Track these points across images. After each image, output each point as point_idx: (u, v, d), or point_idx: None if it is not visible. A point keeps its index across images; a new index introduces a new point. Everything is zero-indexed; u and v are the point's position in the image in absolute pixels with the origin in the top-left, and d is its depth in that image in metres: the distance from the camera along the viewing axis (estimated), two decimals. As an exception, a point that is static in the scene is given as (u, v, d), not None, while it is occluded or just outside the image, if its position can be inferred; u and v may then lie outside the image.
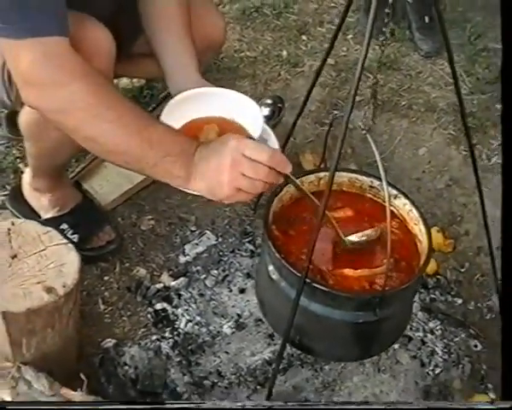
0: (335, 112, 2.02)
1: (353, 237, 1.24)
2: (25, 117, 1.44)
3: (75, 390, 1.22)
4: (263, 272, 1.24)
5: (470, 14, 2.39)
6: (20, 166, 1.86)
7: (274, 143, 1.35)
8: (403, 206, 1.31)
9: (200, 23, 1.51)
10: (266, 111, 1.99)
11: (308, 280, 1.09)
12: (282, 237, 1.24)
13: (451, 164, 1.93)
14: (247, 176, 1.10)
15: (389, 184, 1.34)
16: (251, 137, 1.26)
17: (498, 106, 2.04)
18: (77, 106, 1.12)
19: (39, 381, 1.21)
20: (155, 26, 1.45)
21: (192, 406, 1.20)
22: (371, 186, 1.38)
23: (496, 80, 2.14)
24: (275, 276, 1.18)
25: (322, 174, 1.35)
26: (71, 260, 1.26)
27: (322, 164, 1.42)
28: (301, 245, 1.22)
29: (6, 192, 1.80)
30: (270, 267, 1.19)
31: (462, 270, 1.73)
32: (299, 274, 1.08)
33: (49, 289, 1.19)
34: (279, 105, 2.01)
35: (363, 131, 1.10)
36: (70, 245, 1.29)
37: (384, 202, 1.33)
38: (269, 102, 2.02)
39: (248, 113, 1.34)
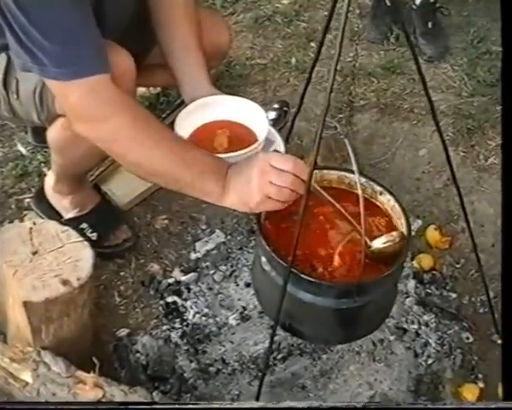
0: (340, 116, 2.12)
1: (378, 244, 1.29)
2: (53, 133, 1.58)
3: (89, 373, 1.36)
4: (257, 264, 1.35)
5: (474, 18, 2.45)
6: (44, 170, 2.01)
7: (280, 143, 1.46)
8: (387, 201, 1.40)
9: (207, 32, 1.62)
10: (273, 115, 2.10)
11: (294, 270, 1.20)
12: (274, 231, 1.35)
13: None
14: (274, 184, 1.22)
15: (374, 181, 1.45)
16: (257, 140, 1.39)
17: (498, 108, 2.10)
18: (121, 136, 1.26)
19: (57, 364, 1.34)
20: (169, 40, 1.56)
21: (188, 406, 1.32)
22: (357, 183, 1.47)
23: (497, 83, 2.20)
24: (267, 267, 1.29)
25: (313, 172, 1.46)
26: (86, 256, 1.39)
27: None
28: (292, 238, 1.33)
29: (32, 194, 1.94)
30: (263, 259, 1.30)
31: (458, 266, 1.81)
32: (285, 264, 1.19)
33: (65, 282, 1.33)
34: (285, 109, 2.11)
35: (341, 136, 1.20)
36: (85, 243, 1.43)
37: (371, 197, 1.45)
38: (276, 106, 2.13)
39: (255, 117, 1.46)
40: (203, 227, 1.91)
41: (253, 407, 1.33)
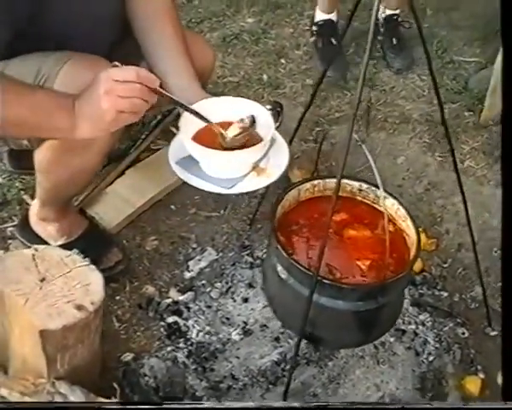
0: (326, 127, 2.16)
1: (232, 134, 1.34)
2: (41, 155, 1.53)
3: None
4: (271, 274, 1.37)
5: (435, 29, 2.56)
6: (25, 197, 1.95)
7: (282, 143, 1.45)
8: (391, 205, 1.45)
9: (192, 53, 1.62)
10: None
11: (320, 277, 1.22)
12: (287, 242, 1.37)
13: (428, 170, 2.09)
14: (123, 97, 1.21)
15: (376, 186, 1.50)
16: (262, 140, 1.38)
17: (467, 113, 2.21)
18: None
19: (75, 394, 1.30)
20: (157, 54, 1.55)
21: (192, 406, 1.33)
22: (360, 190, 1.52)
23: (463, 90, 2.32)
24: (284, 275, 1.31)
25: (316, 182, 1.51)
26: (95, 279, 1.36)
27: (314, 173, 1.56)
28: (305, 247, 1.36)
29: (13, 223, 1.88)
30: (279, 268, 1.32)
31: (446, 266, 1.88)
32: (310, 273, 1.21)
33: (80, 307, 1.29)
34: (278, 109, 2.11)
35: (359, 143, 1.24)
36: (92, 266, 1.40)
37: (373, 202, 1.50)
38: (268, 107, 2.11)
39: (258, 117, 1.44)
40: (194, 246, 1.90)
41: (253, 406, 1.35)
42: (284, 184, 1.99)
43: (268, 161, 1.40)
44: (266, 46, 2.55)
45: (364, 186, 1.50)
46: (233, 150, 1.33)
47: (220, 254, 1.88)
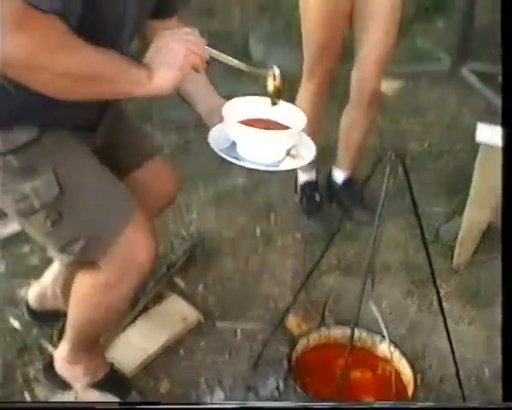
0: (315, 277, 2.41)
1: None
2: (78, 288, 1.68)
3: None
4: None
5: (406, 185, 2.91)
6: (42, 342, 2.11)
7: (306, 137, 1.55)
8: (387, 348, 1.69)
9: (160, 180, 1.89)
10: None
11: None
12: (300, 384, 1.58)
13: (409, 312, 2.34)
14: (189, 40, 1.39)
15: (373, 331, 1.74)
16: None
17: (440, 260, 2.51)
18: (47, 44, 1.25)
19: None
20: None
21: (193, 406, 1.41)
22: (360, 337, 1.76)
23: (435, 239, 2.63)
24: (303, 416, 1.50)
25: (322, 331, 1.74)
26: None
27: (321, 323, 1.81)
28: (317, 386, 1.56)
29: (36, 367, 2.02)
30: (299, 407, 1.52)
31: (431, 396, 2.04)
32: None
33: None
34: None
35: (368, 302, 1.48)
36: None
37: (371, 348, 1.73)
38: None
39: (294, 118, 1.53)
40: (203, 387, 2.06)
41: (252, 406, 1.45)
42: (282, 332, 2.20)
43: (297, 150, 1.52)
44: (257, 202, 2.86)
45: (363, 334, 1.74)
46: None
47: (228, 394, 2.03)
